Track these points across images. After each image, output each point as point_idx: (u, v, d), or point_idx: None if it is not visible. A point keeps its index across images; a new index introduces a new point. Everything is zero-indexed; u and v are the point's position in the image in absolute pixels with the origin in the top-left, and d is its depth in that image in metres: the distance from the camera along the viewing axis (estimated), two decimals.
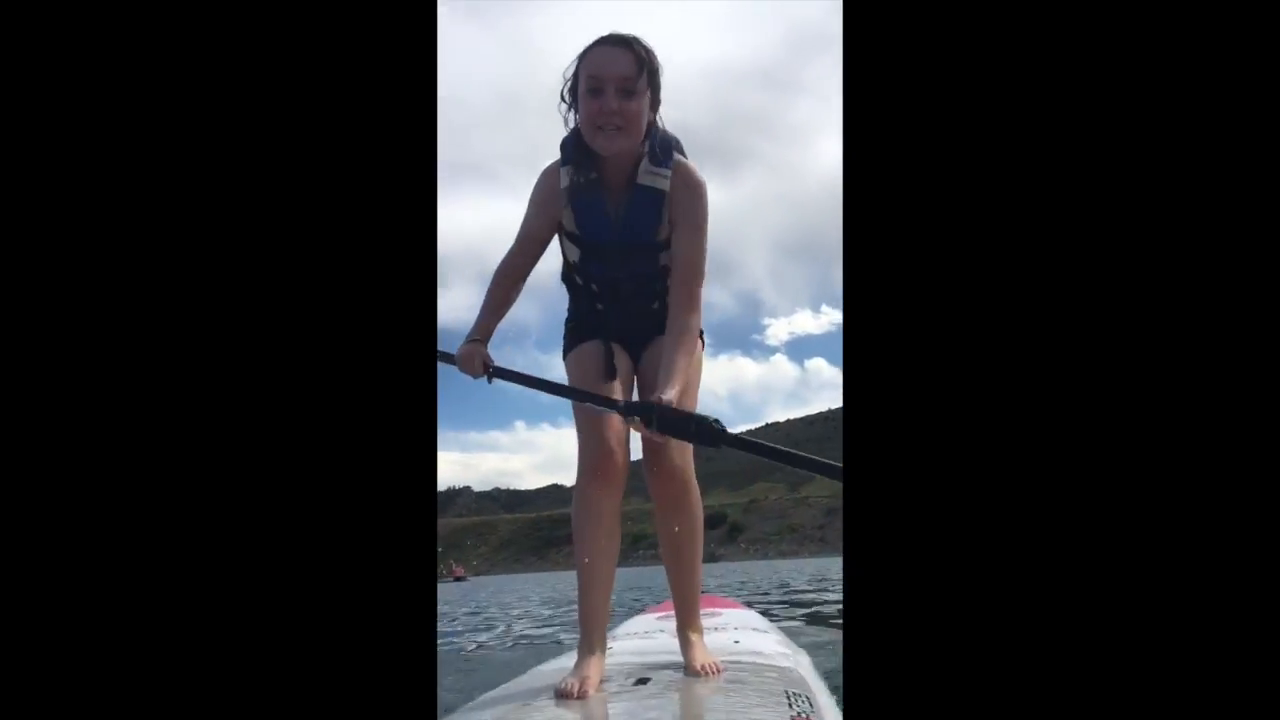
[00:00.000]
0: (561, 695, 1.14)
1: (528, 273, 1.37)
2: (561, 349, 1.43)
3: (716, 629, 1.75)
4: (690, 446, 1.27)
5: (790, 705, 1.03)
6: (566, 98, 1.24)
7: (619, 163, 1.25)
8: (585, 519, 1.30)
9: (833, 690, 1.30)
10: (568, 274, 1.41)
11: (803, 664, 1.46)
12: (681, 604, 1.36)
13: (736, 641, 1.59)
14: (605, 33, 1.21)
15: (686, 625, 1.34)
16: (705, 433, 1.05)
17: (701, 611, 1.61)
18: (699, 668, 1.23)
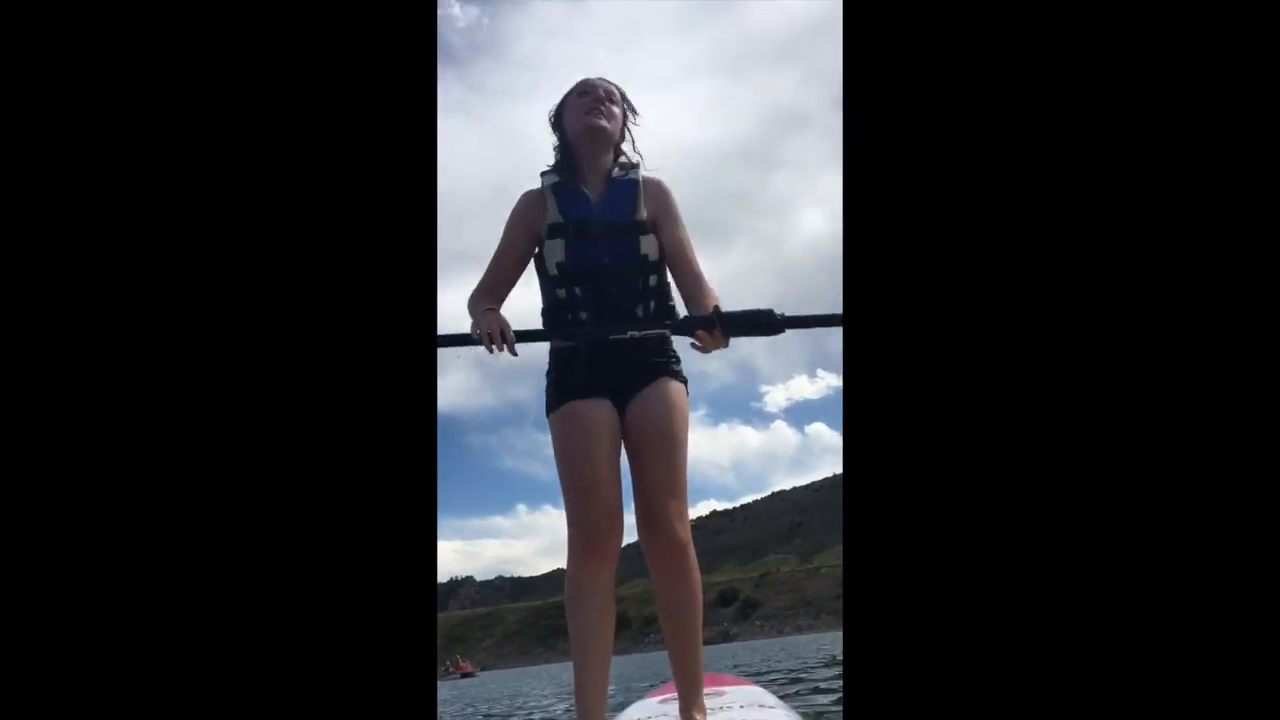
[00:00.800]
0: None
1: (504, 293, 1.39)
2: (545, 407, 1.38)
3: (722, 708, 1.71)
4: (687, 512, 1.26)
5: None
6: (553, 117, 1.45)
7: (596, 166, 1.41)
8: (578, 600, 1.27)
9: None
10: (548, 294, 1.39)
11: None
12: (683, 682, 1.30)
13: None
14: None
15: (689, 707, 1.28)
16: (767, 320, 1.10)
17: (706, 690, 1.60)
18: None
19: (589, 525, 1.26)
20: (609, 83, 1.46)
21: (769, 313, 1.13)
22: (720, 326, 1.16)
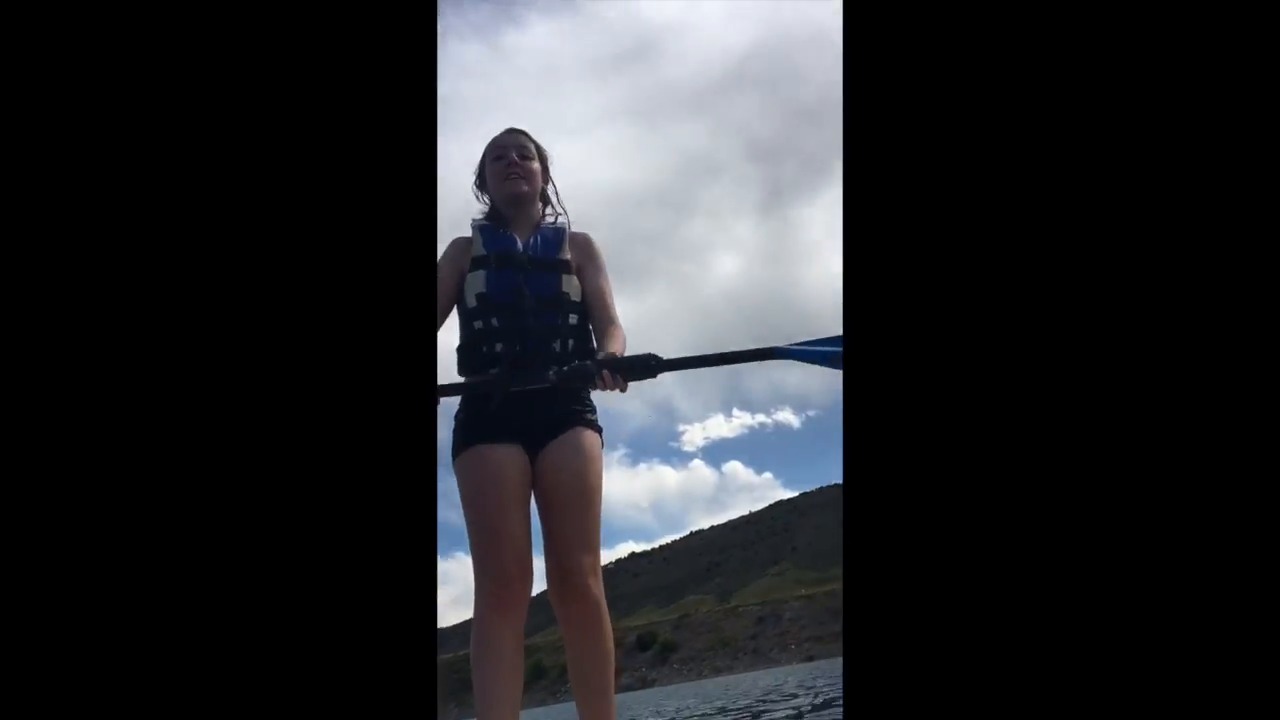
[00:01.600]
0: None
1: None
2: (451, 449, 1.34)
3: None
4: (599, 568, 1.26)
5: None
6: (477, 182, 1.52)
7: (524, 217, 1.47)
8: (484, 652, 1.23)
9: None
10: (465, 327, 1.40)
11: None
12: None
13: None
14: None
15: None
16: (652, 364, 1.18)
17: None
18: None
19: (497, 575, 1.24)
20: (521, 137, 1.50)
21: (650, 356, 1.22)
22: (608, 370, 1.21)
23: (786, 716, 5.90)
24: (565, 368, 1.24)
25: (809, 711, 5.71)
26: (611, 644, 1.32)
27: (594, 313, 1.44)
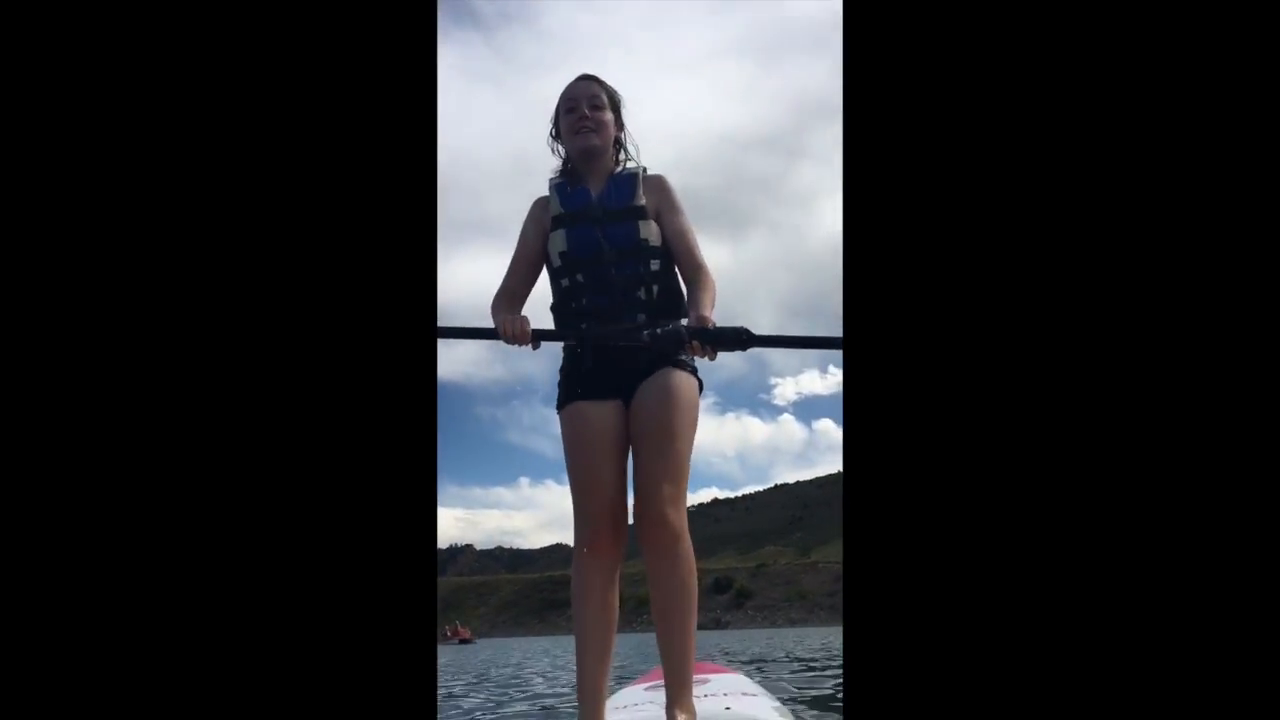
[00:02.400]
0: None
1: (522, 295, 1.45)
2: (556, 401, 1.42)
3: (707, 695, 1.77)
4: (683, 501, 1.28)
5: None
6: (553, 132, 1.52)
7: (597, 169, 1.48)
8: (581, 591, 1.31)
9: None
10: (555, 287, 1.44)
11: None
12: (670, 673, 1.29)
13: (728, 708, 1.59)
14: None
15: (675, 702, 1.26)
16: (743, 338, 1.19)
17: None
18: None
19: (590, 522, 1.31)
20: (593, 85, 1.48)
21: (742, 330, 1.23)
22: (699, 342, 1.22)
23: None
24: (660, 330, 1.26)
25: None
26: (692, 575, 1.32)
27: (679, 257, 1.43)
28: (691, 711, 1.27)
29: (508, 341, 1.27)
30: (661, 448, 1.31)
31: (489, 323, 1.34)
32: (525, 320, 1.30)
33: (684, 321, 1.35)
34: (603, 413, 1.35)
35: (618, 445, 1.34)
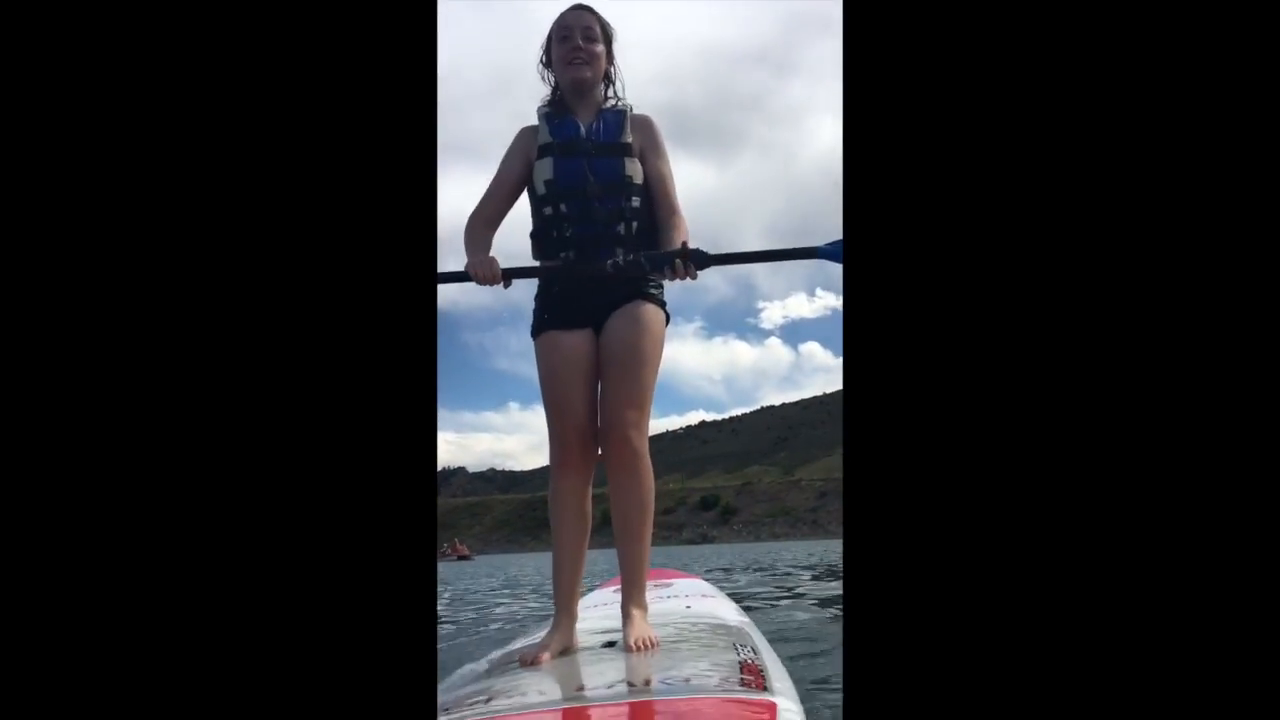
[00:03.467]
0: (522, 663, 1.24)
1: (497, 220, 1.49)
2: (531, 329, 1.48)
3: (670, 596, 1.98)
4: (645, 424, 1.40)
5: (738, 652, 1.17)
6: (543, 59, 1.54)
7: (587, 102, 1.49)
8: (555, 505, 1.44)
9: (773, 646, 1.41)
10: (536, 214, 1.48)
11: (746, 623, 1.63)
12: (627, 577, 1.41)
13: (688, 606, 1.80)
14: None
15: (629, 599, 1.38)
16: (700, 257, 1.31)
17: (655, 582, 1.83)
18: (633, 644, 1.28)
19: (561, 442, 1.41)
20: (587, 16, 1.49)
21: (696, 251, 1.33)
22: (690, 261, 1.31)
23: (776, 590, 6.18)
24: (622, 260, 1.35)
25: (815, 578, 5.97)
26: (650, 492, 1.41)
27: (656, 199, 1.48)
28: (644, 607, 1.39)
29: (479, 283, 1.34)
30: (628, 375, 1.38)
31: (469, 247, 1.43)
32: (494, 261, 1.36)
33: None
34: (575, 340, 1.41)
35: (589, 371, 1.42)
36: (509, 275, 1.35)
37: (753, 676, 1.02)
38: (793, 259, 1.36)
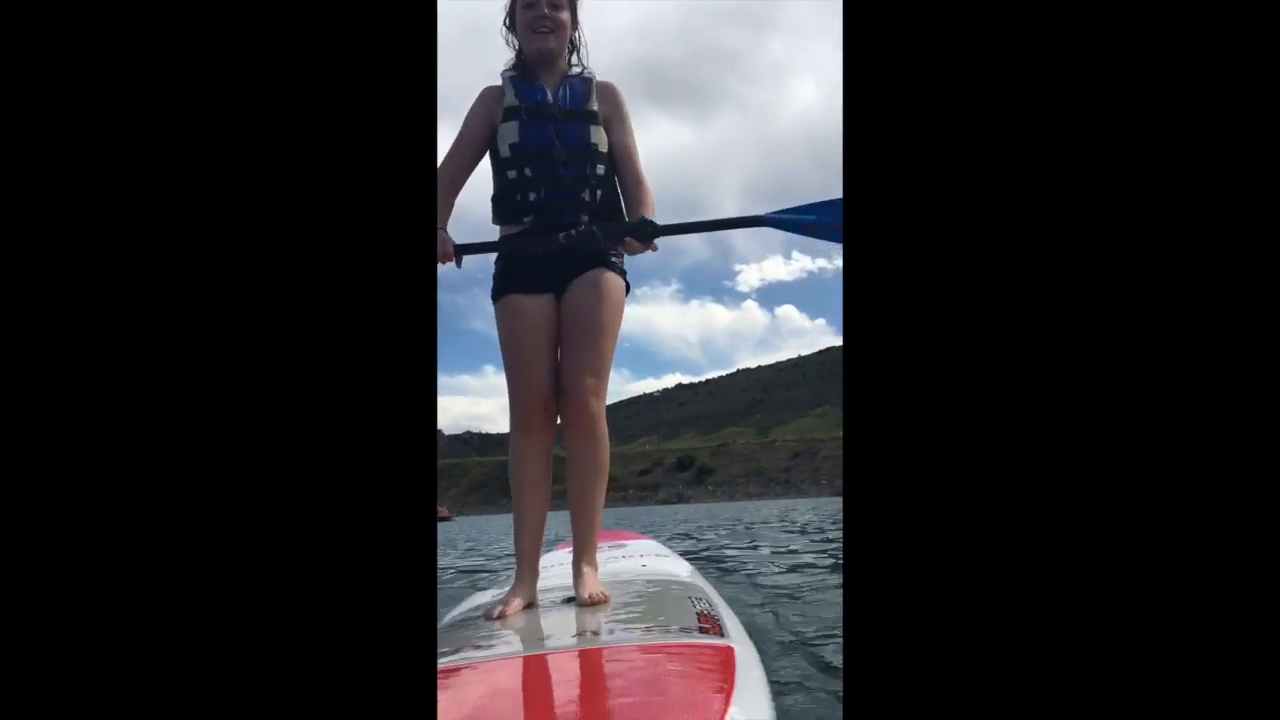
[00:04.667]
0: (486, 617, 1.28)
1: (460, 180, 1.49)
2: (490, 292, 1.49)
3: (625, 556, 2.05)
4: (603, 389, 1.43)
5: (694, 604, 1.22)
6: (506, 22, 1.52)
7: (552, 68, 1.48)
8: (516, 467, 1.47)
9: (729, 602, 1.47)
10: (499, 177, 1.47)
11: (700, 579, 1.71)
12: (578, 535, 1.45)
13: (644, 565, 1.88)
14: None
15: (580, 557, 1.42)
16: (648, 230, 1.36)
17: (611, 544, 1.94)
18: (587, 597, 1.32)
19: (522, 405, 1.43)
20: None
21: (647, 223, 1.37)
22: (648, 233, 1.34)
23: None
24: (575, 232, 1.36)
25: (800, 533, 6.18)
26: (606, 458, 1.45)
27: (621, 168, 1.49)
28: (594, 565, 1.44)
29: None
30: (587, 342, 1.39)
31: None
32: (448, 239, 1.36)
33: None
34: (536, 305, 1.41)
35: (549, 336, 1.42)
36: (461, 252, 1.35)
37: (709, 624, 1.06)
38: (738, 227, 1.38)
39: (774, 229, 1.37)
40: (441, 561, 6.46)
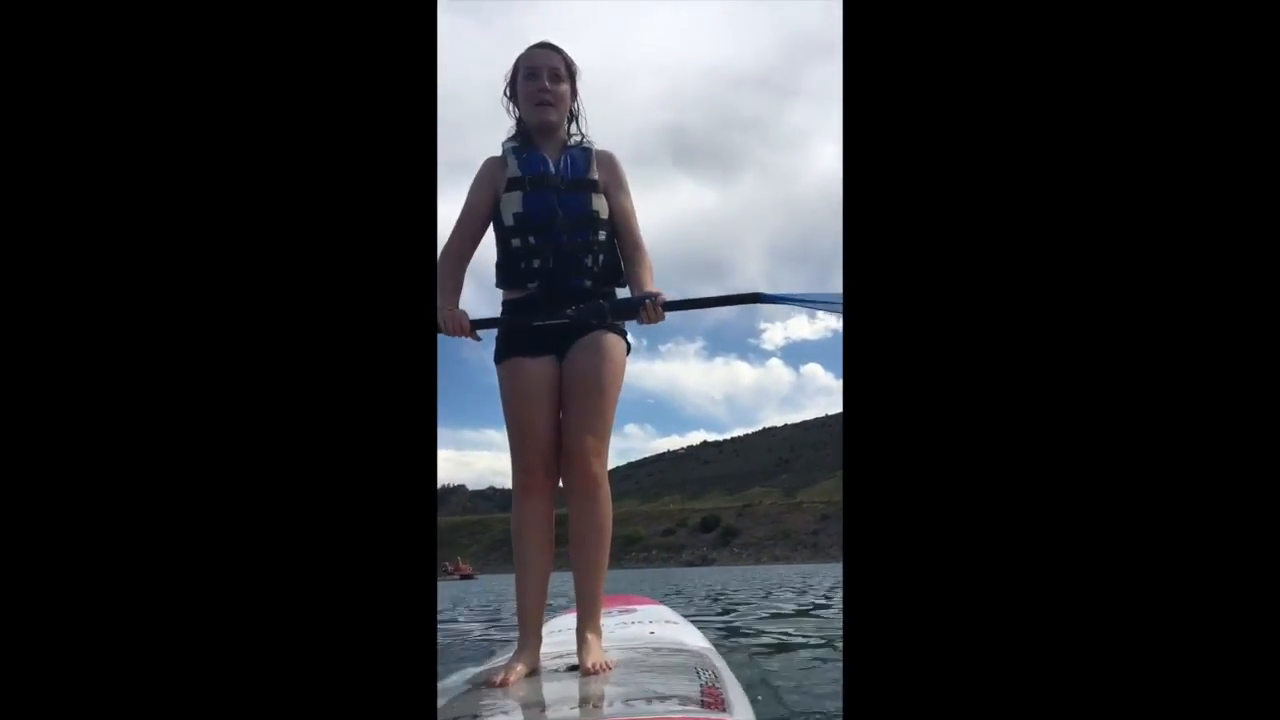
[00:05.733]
0: (488, 684, 1.26)
1: (470, 254, 1.54)
2: (494, 354, 1.52)
3: (634, 622, 2.03)
4: (605, 451, 1.44)
5: (699, 677, 1.19)
6: (507, 92, 1.56)
7: (552, 138, 1.54)
8: (519, 529, 1.47)
9: (735, 673, 1.42)
10: (503, 245, 1.52)
11: (708, 649, 1.66)
12: (582, 602, 1.43)
13: (652, 632, 1.84)
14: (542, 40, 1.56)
15: (584, 625, 1.40)
16: (659, 302, 1.38)
17: (620, 608, 1.88)
18: (590, 666, 1.30)
19: (524, 466, 1.44)
20: (554, 57, 1.53)
21: (650, 295, 1.41)
22: (651, 307, 1.38)
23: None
24: (582, 305, 1.41)
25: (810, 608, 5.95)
26: (608, 519, 1.45)
27: (620, 234, 1.53)
28: (599, 632, 1.41)
29: (449, 334, 1.39)
30: (588, 403, 1.41)
31: (470, 263, 1.50)
32: (464, 315, 1.41)
33: (623, 294, 1.51)
34: (538, 367, 1.44)
35: (551, 398, 1.44)
36: (477, 326, 1.40)
37: (713, 699, 1.03)
38: (736, 304, 1.41)
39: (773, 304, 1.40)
40: (461, 623, 6.36)
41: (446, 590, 18.58)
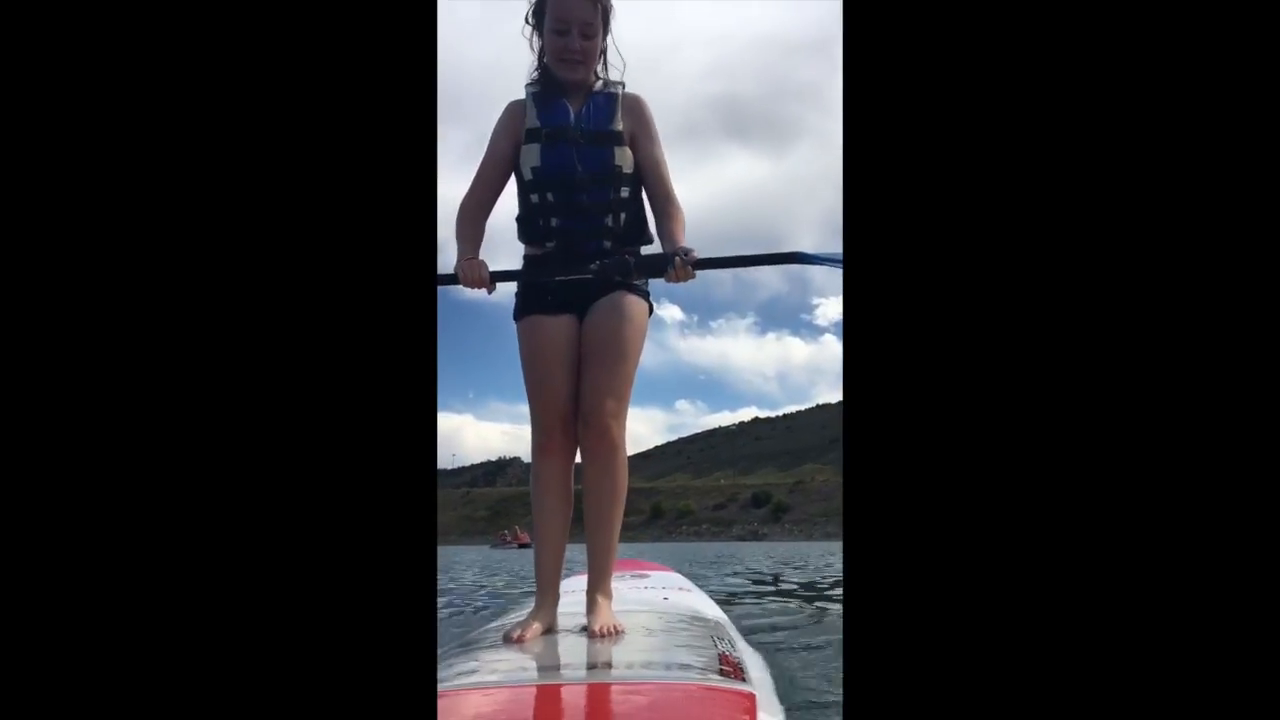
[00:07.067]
0: (505, 640, 1.27)
1: (491, 202, 1.48)
2: (514, 310, 1.48)
3: (647, 588, 2.07)
4: (623, 414, 1.40)
5: (716, 644, 1.18)
6: (531, 21, 1.45)
7: (577, 85, 1.44)
8: (536, 489, 1.47)
9: (747, 638, 1.45)
10: (522, 199, 1.46)
11: (722, 617, 1.68)
12: (593, 565, 1.43)
13: (665, 598, 1.85)
14: None
15: (595, 587, 1.41)
16: (687, 259, 1.28)
17: (632, 573, 1.97)
18: (599, 629, 1.30)
19: (542, 426, 1.43)
20: (587, 4, 1.38)
21: (681, 250, 1.29)
22: (681, 264, 1.28)
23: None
24: (606, 261, 1.34)
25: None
26: (624, 484, 1.42)
27: (649, 186, 1.45)
28: (609, 595, 1.41)
29: (466, 286, 1.34)
30: (608, 364, 1.38)
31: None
32: (483, 265, 1.35)
33: (647, 249, 1.43)
34: (557, 326, 1.40)
35: (570, 357, 1.40)
36: (496, 278, 1.37)
37: (731, 668, 1.01)
38: (773, 263, 1.36)
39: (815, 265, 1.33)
40: (518, 587, 6.52)
41: (505, 557, 19.13)
